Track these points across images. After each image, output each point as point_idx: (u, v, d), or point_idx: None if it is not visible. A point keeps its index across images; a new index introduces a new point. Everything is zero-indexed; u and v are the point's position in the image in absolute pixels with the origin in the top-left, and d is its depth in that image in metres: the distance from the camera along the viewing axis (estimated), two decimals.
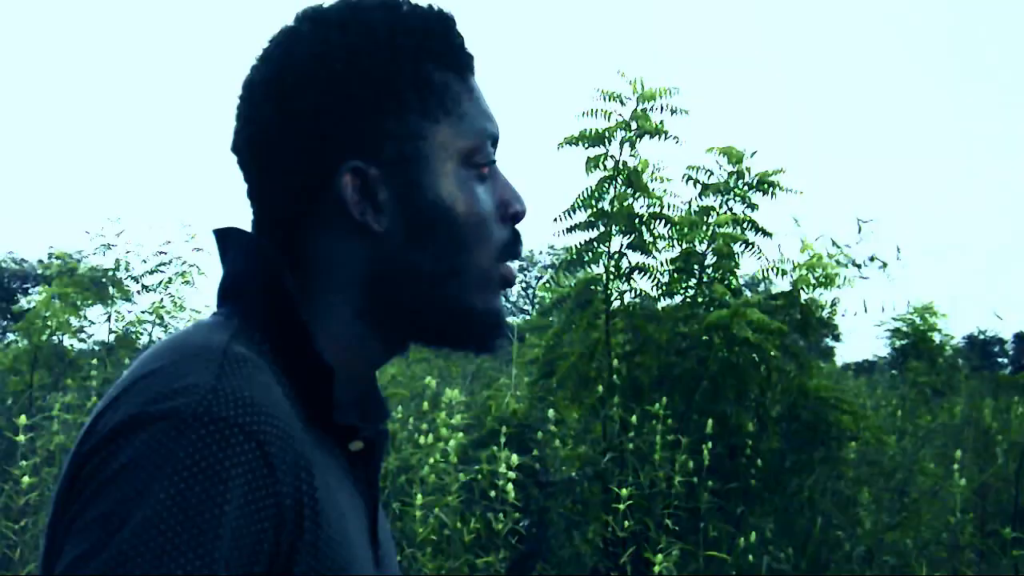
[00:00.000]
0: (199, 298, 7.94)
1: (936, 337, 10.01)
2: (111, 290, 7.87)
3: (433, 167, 0.84)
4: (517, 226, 0.89)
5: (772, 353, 4.89)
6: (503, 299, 0.89)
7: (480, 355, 0.91)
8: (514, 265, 0.91)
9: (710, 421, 4.56)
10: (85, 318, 7.96)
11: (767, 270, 5.12)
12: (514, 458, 4.23)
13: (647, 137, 4.78)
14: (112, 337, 7.96)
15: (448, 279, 0.85)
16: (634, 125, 4.79)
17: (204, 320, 0.84)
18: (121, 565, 0.66)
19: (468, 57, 0.88)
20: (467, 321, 0.87)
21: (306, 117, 0.82)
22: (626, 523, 4.24)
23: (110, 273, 7.91)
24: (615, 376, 4.88)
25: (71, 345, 8.03)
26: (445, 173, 0.84)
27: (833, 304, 5.68)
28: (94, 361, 6.80)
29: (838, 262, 5.36)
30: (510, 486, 4.18)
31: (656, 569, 3.80)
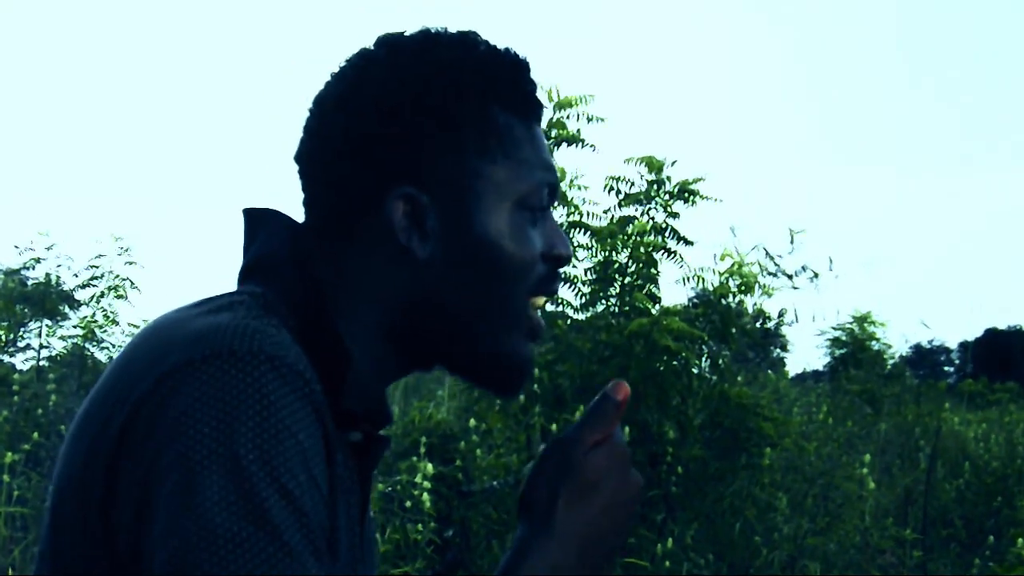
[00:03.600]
0: (133, 312, 7.84)
1: (875, 346, 10.16)
2: (62, 306, 7.76)
3: (485, 204, 0.86)
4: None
5: (693, 361, 4.93)
6: (532, 347, 0.90)
7: (501, 397, 0.95)
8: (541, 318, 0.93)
9: (627, 428, 4.57)
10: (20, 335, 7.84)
11: (687, 278, 5.15)
12: (429, 467, 4.21)
13: (564, 145, 4.81)
14: (43, 352, 7.84)
15: (481, 316, 0.87)
16: (552, 133, 4.82)
17: (223, 293, 0.85)
18: (224, 502, 0.69)
19: (536, 105, 0.91)
20: (494, 362, 0.88)
21: (368, 139, 0.85)
22: None
23: (43, 287, 7.78)
24: (536, 385, 4.89)
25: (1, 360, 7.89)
26: (498, 212, 0.86)
27: (781, 315, 5.75)
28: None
29: (769, 272, 5.42)
30: (426, 496, 4.16)
31: None
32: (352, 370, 0.82)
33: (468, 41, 0.89)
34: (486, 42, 0.89)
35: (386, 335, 0.87)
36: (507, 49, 0.90)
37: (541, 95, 0.92)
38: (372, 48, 0.89)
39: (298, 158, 0.90)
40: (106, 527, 0.74)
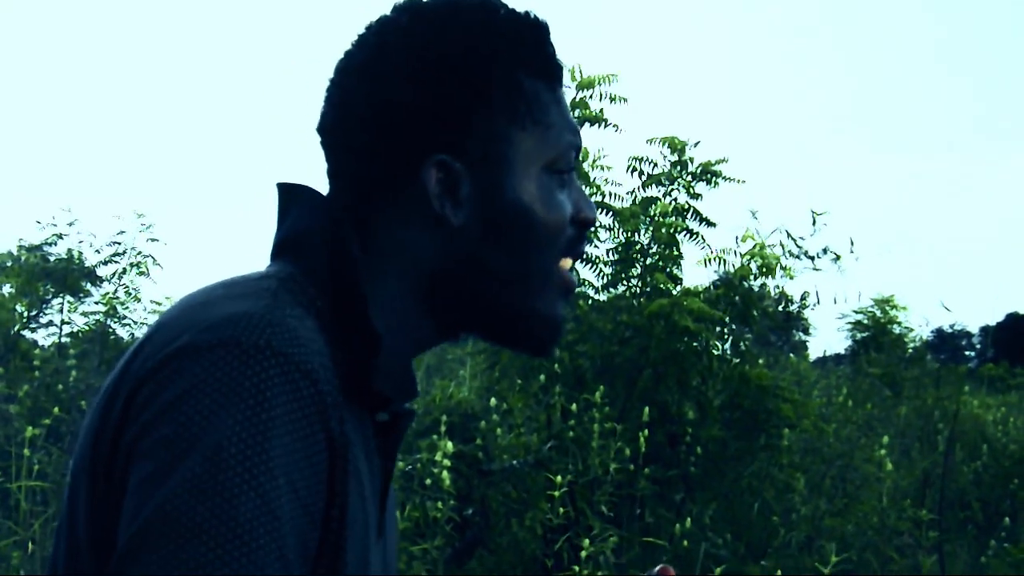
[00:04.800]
0: (155, 289, 7.88)
1: (896, 329, 10.12)
2: (84, 282, 7.80)
3: (516, 170, 0.86)
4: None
5: (713, 342, 4.92)
6: (565, 306, 0.91)
7: (535, 357, 0.93)
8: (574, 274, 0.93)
9: (646, 409, 4.58)
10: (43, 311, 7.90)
11: (709, 260, 5.14)
12: (449, 446, 4.23)
13: (587, 125, 4.79)
14: (66, 329, 7.91)
15: (517, 280, 0.87)
16: (575, 113, 4.80)
17: (256, 271, 0.84)
18: (190, 489, 0.68)
19: (559, 68, 0.90)
20: (528, 324, 0.88)
21: (398, 108, 0.85)
22: (561, 510, 4.26)
23: (65, 264, 7.84)
24: (557, 365, 4.90)
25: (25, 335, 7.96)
26: (528, 177, 0.87)
27: (803, 298, 5.71)
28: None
29: (791, 254, 5.39)
30: (445, 474, 4.19)
31: (583, 555, 3.82)
32: (383, 350, 0.82)
33: (489, 5, 0.88)
34: (505, 5, 0.89)
35: (419, 305, 0.87)
36: (527, 12, 0.89)
37: (562, 59, 0.92)
38: (393, 14, 0.88)
39: (321, 129, 0.89)
40: (111, 502, 0.74)
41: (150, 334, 0.79)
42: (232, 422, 0.69)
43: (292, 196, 0.88)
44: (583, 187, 0.93)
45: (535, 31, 0.89)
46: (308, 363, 0.74)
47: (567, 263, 0.90)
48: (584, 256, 0.98)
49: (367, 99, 0.85)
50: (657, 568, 0.80)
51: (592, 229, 0.94)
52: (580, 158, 0.91)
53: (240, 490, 0.68)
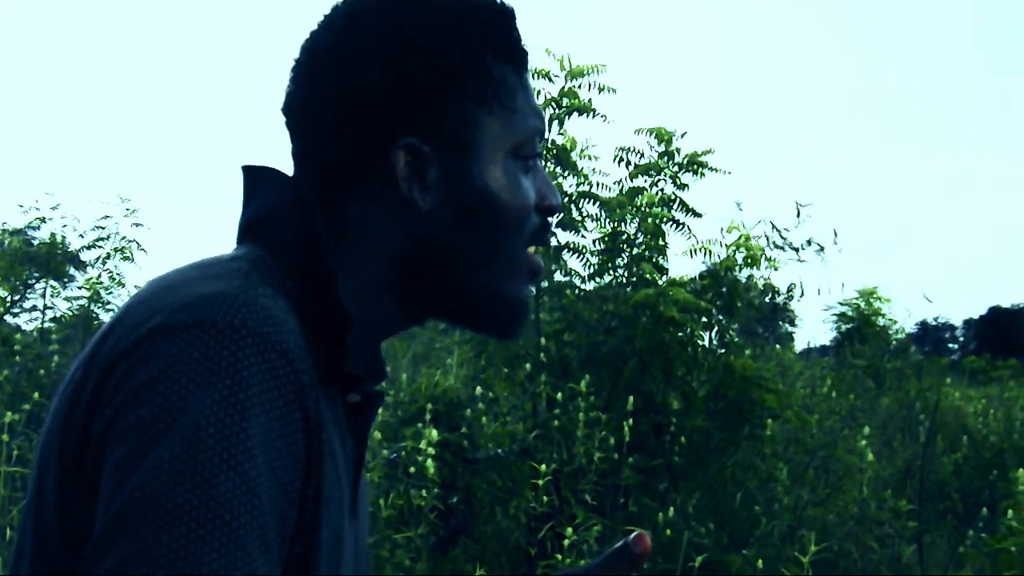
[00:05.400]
0: (139, 274, 7.85)
1: (880, 321, 10.18)
2: (68, 267, 7.75)
3: (484, 155, 0.86)
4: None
5: (698, 332, 4.94)
6: (531, 289, 0.91)
7: (501, 339, 0.96)
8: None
9: (631, 399, 4.60)
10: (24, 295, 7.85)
11: (695, 250, 5.15)
12: (434, 434, 4.24)
13: (576, 115, 4.79)
14: (49, 314, 7.86)
15: (484, 264, 0.87)
16: (563, 102, 4.80)
17: (224, 253, 0.84)
18: (168, 471, 0.67)
19: (524, 53, 0.90)
20: (495, 307, 0.89)
21: (366, 89, 0.84)
22: (545, 499, 4.27)
23: (48, 248, 7.78)
24: (543, 354, 4.91)
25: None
26: (494, 162, 0.87)
27: (790, 290, 5.73)
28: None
29: (776, 245, 5.41)
30: (430, 462, 4.19)
31: (566, 543, 3.84)
32: (353, 331, 0.82)
33: None
34: None
35: (387, 289, 0.87)
36: None
37: (527, 44, 0.92)
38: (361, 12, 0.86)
39: (287, 109, 0.88)
40: (80, 485, 0.73)
41: (120, 316, 0.78)
42: (210, 402, 0.69)
43: (258, 178, 0.88)
44: (548, 174, 0.92)
45: (503, 16, 0.88)
46: (284, 342, 0.73)
47: (536, 259, 0.90)
48: (549, 244, 1.01)
49: (333, 79, 0.85)
50: (632, 535, 0.79)
51: (555, 216, 0.93)
52: (544, 142, 0.91)
53: (220, 470, 0.67)
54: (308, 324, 0.79)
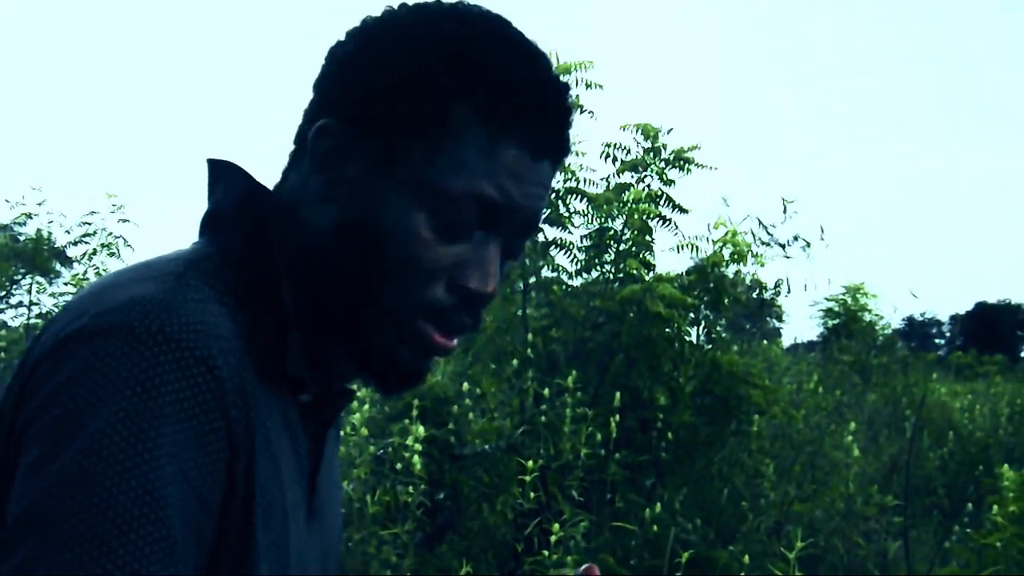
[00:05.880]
0: None
1: (867, 317, 10.22)
2: (54, 263, 7.71)
3: (419, 201, 0.80)
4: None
5: (685, 328, 4.95)
6: (422, 361, 0.83)
7: (380, 393, 0.91)
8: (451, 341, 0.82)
9: (618, 394, 4.61)
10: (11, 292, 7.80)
11: (681, 246, 5.16)
12: (421, 430, 4.24)
13: None
14: (35, 310, 7.82)
15: (366, 307, 0.81)
16: None
17: (173, 251, 0.83)
18: (70, 478, 0.67)
19: (526, 129, 0.82)
20: (367, 359, 0.83)
21: (368, 97, 0.82)
22: (532, 495, 4.28)
23: (34, 244, 7.74)
24: (530, 350, 4.91)
25: None
26: (426, 210, 0.80)
27: (776, 286, 5.75)
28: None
29: (762, 241, 5.43)
30: (416, 458, 4.19)
31: (553, 539, 3.85)
32: (298, 332, 0.81)
33: (505, 43, 0.82)
34: (483, 29, 0.83)
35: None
36: (549, 73, 0.84)
37: (565, 133, 0.85)
38: (400, 10, 0.85)
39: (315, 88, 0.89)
40: (2, 487, 0.73)
41: (56, 315, 0.78)
42: (116, 409, 0.68)
43: (220, 173, 0.88)
44: (493, 262, 0.82)
45: (503, 77, 0.81)
46: (203, 350, 0.72)
47: (432, 331, 0.81)
48: (442, 345, 0.83)
49: (343, 78, 0.85)
50: (582, 568, 0.79)
51: (475, 302, 0.83)
52: (499, 221, 0.82)
53: (121, 478, 0.67)
54: (253, 324, 0.79)
